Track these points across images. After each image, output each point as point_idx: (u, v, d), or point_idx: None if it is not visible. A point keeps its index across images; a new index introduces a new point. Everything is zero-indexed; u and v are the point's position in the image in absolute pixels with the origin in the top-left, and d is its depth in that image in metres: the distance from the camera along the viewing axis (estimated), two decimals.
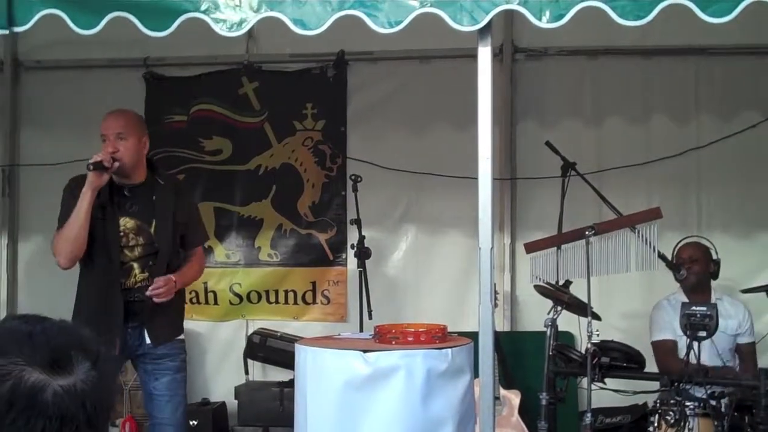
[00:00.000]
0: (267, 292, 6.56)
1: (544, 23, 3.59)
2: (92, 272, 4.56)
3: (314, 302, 6.51)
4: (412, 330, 4.02)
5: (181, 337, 4.70)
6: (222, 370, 6.52)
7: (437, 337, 3.93)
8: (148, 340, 4.52)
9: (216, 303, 6.58)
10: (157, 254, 4.51)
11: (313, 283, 6.52)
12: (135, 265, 4.51)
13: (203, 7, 3.68)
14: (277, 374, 6.29)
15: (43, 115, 6.67)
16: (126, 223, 4.49)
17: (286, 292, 6.54)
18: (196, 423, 5.95)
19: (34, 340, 1.35)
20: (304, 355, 3.89)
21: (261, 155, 6.54)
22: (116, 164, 4.38)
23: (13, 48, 6.62)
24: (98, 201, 4.41)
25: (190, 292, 6.53)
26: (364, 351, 3.75)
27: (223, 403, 6.27)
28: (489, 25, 3.65)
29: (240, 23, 3.71)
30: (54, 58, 6.58)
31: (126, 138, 4.45)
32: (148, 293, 4.39)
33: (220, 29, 3.71)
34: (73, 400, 1.31)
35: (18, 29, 3.74)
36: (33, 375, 1.31)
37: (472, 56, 3.79)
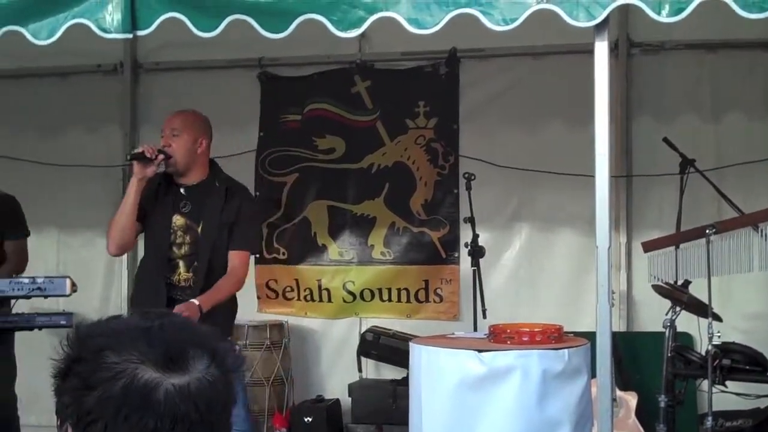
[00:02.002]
0: (380, 290, 6.57)
1: (663, 17, 3.52)
2: (145, 264, 4.73)
3: (427, 300, 6.50)
4: (528, 330, 3.99)
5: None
6: (336, 368, 6.58)
7: (553, 337, 3.88)
8: None
9: (330, 301, 6.63)
10: (200, 254, 4.55)
11: (426, 282, 6.50)
12: (181, 263, 4.58)
13: (320, 8, 3.71)
14: (390, 372, 6.31)
15: (160, 115, 6.79)
16: (177, 220, 4.57)
17: (399, 290, 6.55)
18: (310, 420, 6.02)
19: (151, 337, 1.34)
20: (418, 353, 3.89)
21: (374, 153, 6.56)
22: (161, 157, 4.45)
23: (133, 50, 6.79)
24: (156, 196, 4.56)
25: (305, 290, 6.62)
26: (479, 350, 3.73)
27: (337, 401, 6.31)
28: (606, 20, 3.60)
29: (356, 23, 3.73)
30: (171, 60, 6.73)
31: (179, 135, 4.53)
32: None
33: (337, 30, 3.74)
34: (184, 400, 1.30)
35: (141, 33, 3.84)
36: (146, 373, 1.30)
37: (586, 52, 3.74)
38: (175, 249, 4.58)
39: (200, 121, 4.69)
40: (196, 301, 4.36)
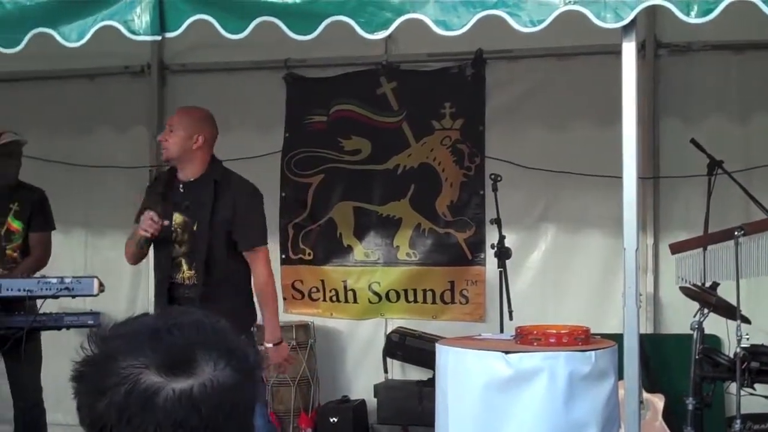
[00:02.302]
0: (405, 291, 6.57)
1: (692, 18, 3.51)
2: (155, 264, 4.80)
3: (452, 302, 6.49)
4: (555, 331, 3.98)
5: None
6: (361, 368, 6.59)
7: (580, 338, 3.88)
8: None
9: (355, 301, 6.63)
10: (198, 252, 4.58)
11: (452, 283, 6.49)
12: (183, 261, 4.61)
13: (348, 10, 3.71)
14: (416, 373, 6.31)
15: None
16: (176, 218, 4.62)
17: (425, 291, 6.54)
18: (336, 420, 6.03)
19: (158, 339, 1.32)
20: (445, 354, 3.89)
21: (399, 155, 6.55)
22: (165, 222, 4.55)
23: (160, 52, 6.82)
24: (160, 198, 4.64)
25: (330, 290, 6.63)
26: (506, 352, 3.72)
27: (363, 401, 6.32)
28: (633, 21, 3.59)
29: (383, 25, 3.73)
30: (198, 61, 6.76)
31: (175, 131, 4.59)
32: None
33: (364, 32, 3.74)
34: (185, 405, 1.28)
35: (169, 35, 3.85)
36: (149, 378, 1.29)
37: (613, 53, 3.73)
38: (177, 247, 4.62)
39: (198, 118, 4.68)
40: (268, 345, 4.57)
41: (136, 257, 4.79)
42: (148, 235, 4.50)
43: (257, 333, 4.81)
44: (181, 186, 4.65)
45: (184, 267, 4.60)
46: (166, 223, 4.51)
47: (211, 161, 4.67)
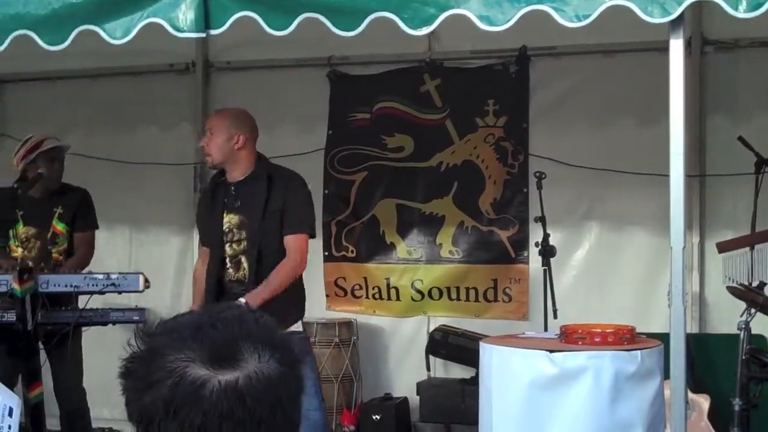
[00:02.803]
0: (448, 288, 6.55)
1: (740, 13, 3.45)
2: (209, 266, 4.81)
3: (495, 300, 6.46)
4: (600, 330, 3.94)
5: (299, 328, 4.66)
6: (404, 366, 6.57)
7: (625, 338, 3.84)
8: None
9: (398, 299, 6.62)
10: (259, 247, 4.61)
11: (495, 281, 6.46)
12: (243, 258, 4.65)
13: (392, 6, 3.69)
14: (458, 371, 6.30)
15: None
16: (231, 219, 4.66)
17: (468, 289, 6.51)
18: (379, 417, 6.04)
19: (202, 334, 1.35)
20: (489, 353, 3.88)
21: (442, 152, 6.53)
22: (208, 159, 4.67)
23: (204, 49, 6.86)
24: (210, 205, 4.74)
25: (373, 288, 6.63)
26: (550, 351, 3.70)
27: (406, 399, 6.32)
28: (681, 16, 3.53)
29: (427, 21, 3.70)
30: (242, 59, 6.78)
31: (213, 134, 4.65)
32: None
33: (408, 27, 3.72)
34: (230, 396, 1.30)
35: (214, 32, 3.86)
36: (195, 370, 1.31)
37: (659, 49, 3.70)
38: (234, 246, 4.66)
39: (235, 118, 4.74)
40: (242, 300, 4.35)
41: None
42: None
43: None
44: (232, 187, 4.69)
45: (244, 264, 4.64)
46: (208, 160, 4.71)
47: (257, 159, 4.71)
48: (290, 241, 4.60)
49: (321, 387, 5.00)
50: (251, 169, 4.67)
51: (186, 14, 3.83)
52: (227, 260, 4.69)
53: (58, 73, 6.99)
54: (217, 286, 4.69)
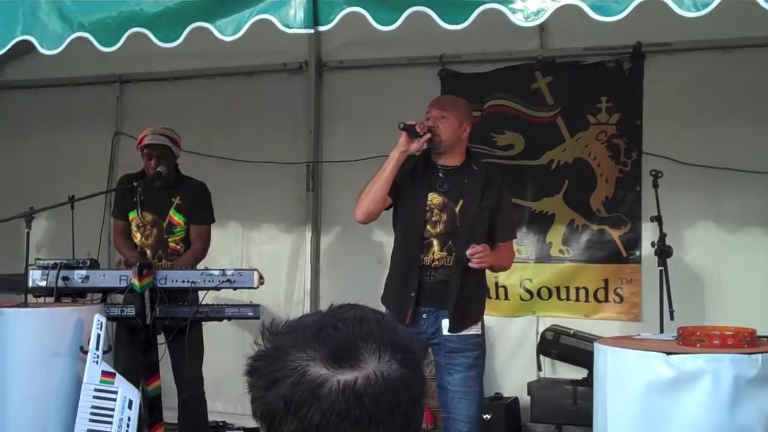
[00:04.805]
0: (558, 288, 6.48)
1: None
2: (397, 243, 4.78)
3: (606, 300, 6.36)
4: (719, 333, 3.84)
5: (477, 331, 4.67)
6: (513, 366, 6.53)
7: (746, 341, 3.74)
8: (445, 329, 4.57)
9: (507, 298, 6.59)
10: (457, 233, 4.59)
11: (606, 281, 6.37)
12: (435, 241, 4.63)
13: None
14: (567, 371, 6.23)
15: (344, 112, 6.95)
16: (433, 199, 4.65)
17: (578, 289, 6.44)
18: (489, 417, 6.00)
19: (323, 333, 1.36)
20: (604, 354, 3.82)
21: (553, 150, 6.47)
22: (428, 135, 4.59)
23: (317, 49, 6.93)
24: (412, 174, 4.66)
25: None
26: (668, 353, 3.63)
27: (516, 399, 6.27)
28: None
29: (537, 12, 3.62)
30: (354, 58, 6.83)
31: (447, 118, 4.67)
32: (468, 252, 4.47)
33: (517, 19, 3.63)
34: (349, 396, 1.31)
35: (322, 28, 3.86)
36: (315, 370, 1.32)
37: None
38: (429, 227, 4.64)
39: (466, 108, 4.88)
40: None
41: (375, 201, 4.62)
42: (413, 123, 4.57)
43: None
44: (440, 170, 4.72)
45: (435, 248, 4.64)
46: (428, 136, 4.60)
47: (467, 151, 4.80)
48: (510, 246, 4.90)
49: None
50: (464, 159, 4.74)
51: (295, 11, 3.85)
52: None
53: (175, 73, 7.16)
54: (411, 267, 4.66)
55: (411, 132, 4.55)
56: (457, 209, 4.63)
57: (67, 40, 3.95)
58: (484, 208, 4.65)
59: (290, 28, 3.87)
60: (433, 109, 4.71)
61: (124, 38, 3.91)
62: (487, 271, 6.48)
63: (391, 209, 4.76)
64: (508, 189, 4.88)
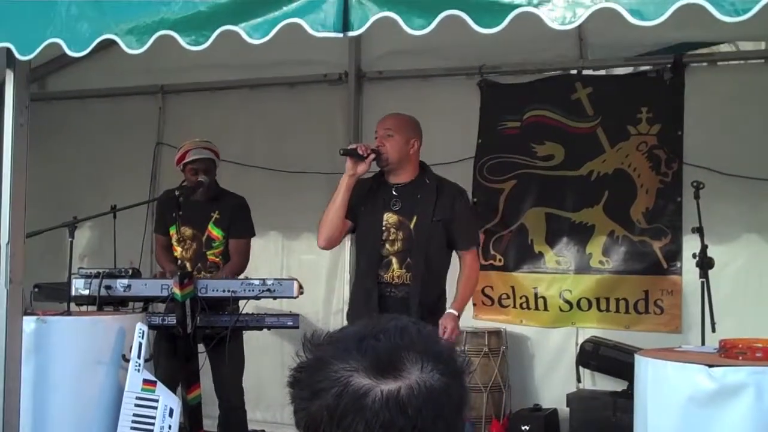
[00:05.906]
0: (597, 299, 6.44)
1: None
2: (359, 264, 4.92)
3: (646, 312, 6.31)
4: (762, 345, 3.81)
5: None
6: (552, 377, 6.50)
7: None
8: None
9: (546, 309, 6.56)
10: (413, 250, 4.66)
11: (646, 292, 6.32)
12: (394, 259, 4.70)
13: (536, 1, 3.47)
14: (607, 383, 6.19)
15: None
16: (389, 218, 4.72)
17: (617, 300, 6.40)
18: (528, 428, 5.99)
19: (365, 344, 1.36)
20: (644, 366, 3.80)
21: (593, 161, 6.45)
22: (372, 156, 4.64)
23: (357, 59, 6.96)
24: (367, 195, 4.73)
25: (521, 297, 6.59)
26: (709, 365, 3.60)
27: (555, 410, 6.24)
28: None
29: (573, 16, 3.58)
30: (394, 68, 6.85)
31: (393, 136, 4.72)
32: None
33: (553, 23, 3.58)
34: (392, 407, 1.31)
35: (351, 33, 3.81)
36: (358, 380, 1.33)
37: None
38: (387, 246, 4.71)
39: (412, 124, 4.87)
40: (454, 311, 4.63)
41: (332, 227, 4.74)
42: (354, 146, 4.66)
43: None
44: (393, 188, 4.77)
45: (394, 266, 4.71)
46: (372, 157, 4.64)
47: (420, 166, 4.83)
48: (468, 255, 4.83)
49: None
50: (415, 175, 4.79)
51: (325, 14, 3.80)
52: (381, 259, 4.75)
53: (216, 84, 7.22)
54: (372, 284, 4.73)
55: (354, 155, 4.63)
56: (411, 225, 4.69)
57: (94, 42, 3.95)
58: (438, 220, 4.70)
59: (318, 31, 3.82)
60: (379, 129, 4.79)
61: (152, 41, 3.91)
62: (524, 280, 6.57)
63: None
64: (463, 203, 4.91)
